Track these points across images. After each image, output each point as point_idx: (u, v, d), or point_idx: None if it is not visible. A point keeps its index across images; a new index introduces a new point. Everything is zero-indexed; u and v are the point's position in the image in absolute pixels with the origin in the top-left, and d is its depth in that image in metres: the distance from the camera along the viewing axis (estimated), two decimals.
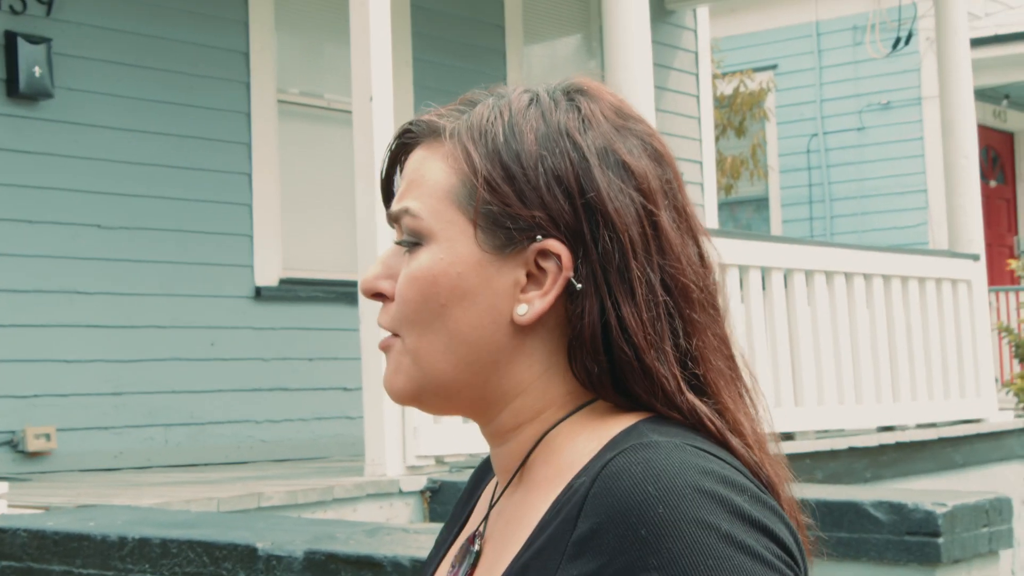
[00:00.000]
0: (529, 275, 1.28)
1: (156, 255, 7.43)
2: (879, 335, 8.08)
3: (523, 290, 1.28)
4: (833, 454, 7.17)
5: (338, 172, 8.10)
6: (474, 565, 1.33)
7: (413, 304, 1.30)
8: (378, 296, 1.35)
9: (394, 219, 1.34)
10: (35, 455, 6.85)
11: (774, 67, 15.83)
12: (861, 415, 7.86)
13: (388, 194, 1.39)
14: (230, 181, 7.82)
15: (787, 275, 7.59)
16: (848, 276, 7.94)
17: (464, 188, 1.29)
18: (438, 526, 4.68)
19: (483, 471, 1.50)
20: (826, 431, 7.62)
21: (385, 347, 1.35)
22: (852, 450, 7.37)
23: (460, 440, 5.85)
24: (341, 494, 5.33)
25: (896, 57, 14.95)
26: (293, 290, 8.03)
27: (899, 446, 7.79)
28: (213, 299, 7.68)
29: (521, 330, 1.28)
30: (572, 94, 1.32)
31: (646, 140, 1.31)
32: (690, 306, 1.28)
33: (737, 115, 14.86)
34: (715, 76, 14.22)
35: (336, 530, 3.89)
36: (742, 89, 14.90)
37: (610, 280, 1.25)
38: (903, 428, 8.08)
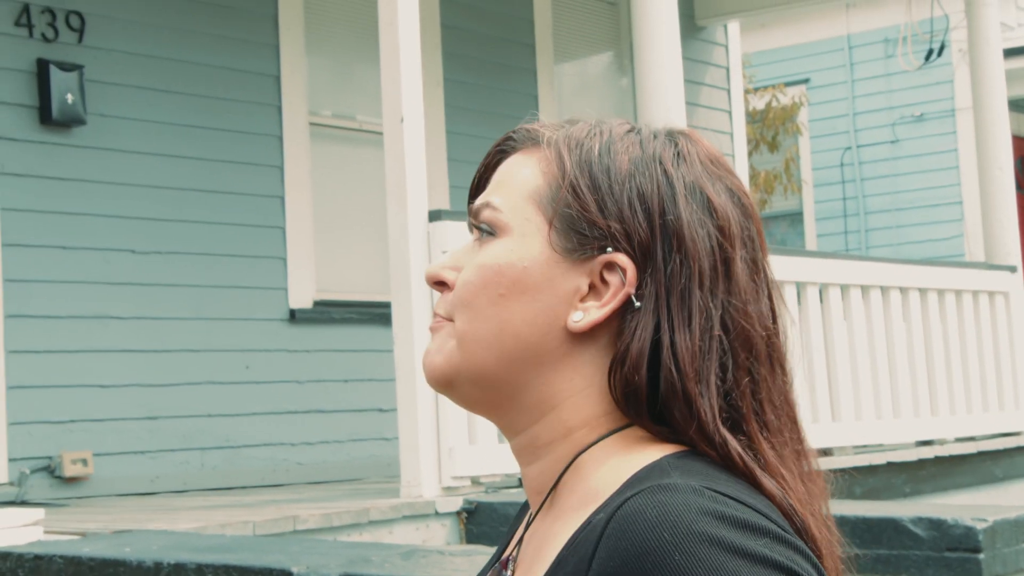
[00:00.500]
0: (592, 286, 1.29)
1: (190, 279, 7.45)
2: (916, 349, 8.03)
3: (582, 299, 1.29)
4: (872, 469, 7.12)
5: (371, 193, 8.10)
6: None
7: (472, 288, 1.32)
8: (439, 285, 1.37)
9: (475, 214, 1.37)
10: (72, 480, 6.87)
11: (806, 81, 15.78)
12: (899, 430, 7.80)
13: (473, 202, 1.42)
14: (263, 204, 7.84)
15: (822, 290, 7.55)
16: (884, 290, 7.90)
17: (549, 190, 1.32)
18: (474, 548, 4.67)
19: (527, 506, 1.49)
20: (864, 446, 7.58)
21: (433, 328, 1.36)
22: (891, 465, 7.32)
23: (496, 460, 5.82)
24: (377, 516, 5.32)
25: (929, 69, 14.88)
26: (327, 312, 8.03)
27: (938, 460, 7.74)
28: (247, 322, 7.69)
29: (571, 339, 1.29)
30: (673, 134, 1.36)
31: (735, 192, 1.33)
32: (747, 351, 1.28)
33: (770, 130, 14.82)
34: (747, 91, 14.19)
35: (371, 553, 3.88)
36: (774, 104, 14.87)
37: (671, 303, 1.26)
38: (942, 442, 8.02)
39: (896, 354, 7.87)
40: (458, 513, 5.58)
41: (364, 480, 7.73)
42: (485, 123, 8.91)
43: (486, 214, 1.35)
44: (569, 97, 9.89)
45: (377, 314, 8.01)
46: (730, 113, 11.06)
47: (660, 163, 1.31)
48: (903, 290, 8.03)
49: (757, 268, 1.32)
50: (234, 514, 5.37)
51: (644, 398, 1.26)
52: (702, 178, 1.31)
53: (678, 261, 1.27)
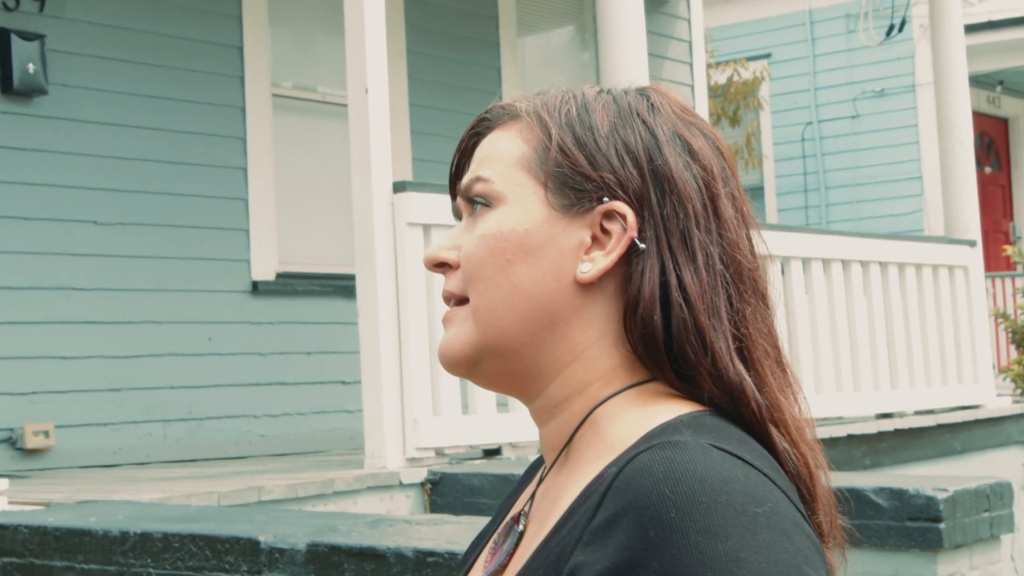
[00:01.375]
0: (594, 238, 1.33)
1: (152, 251, 7.42)
2: (877, 322, 8.08)
3: (587, 251, 1.32)
4: (832, 442, 7.17)
5: (334, 165, 8.09)
6: (517, 544, 1.34)
7: (478, 260, 1.35)
8: (441, 267, 1.39)
9: (464, 193, 1.40)
10: (34, 452, 6.85)
11: (768, 56, 15.82)
12: (859, 402, 7.86)
13: (457, 186, 1.44)
14: (225, 176, 7.81)
15: (784, 263, 7.58)
16: (845, 263, 7.94)
17: (536, 154, 1.35)
18: (440, 517, 4.68)
19: (536, 466, 1.51)
20: (824, 419, 7.62)
21: (447, 319, 1.39)
22: (851, 437, 7.37)
23: (460, 432, 5.84)
24: (341, 487, 5.33)
25: (890, 44, 14.94)
26: (290, 284, 8.02)
27: (898, 433, 7.79)
28: (210, 294, 7.67)
29: (581, 291, 1.32)
30: (643, 90, 1.40)
31: (708, 136, 1.39)
32: (743, 284, 1.33)
33: (731, 104, 14.85)
34: (709, 65, 14.20)
35: (338, 522, 3.89)
36: (736, 78, 14.89)
37: (672, 244, 1.30)
38: (902, 415, 8.08)
39: (857, 327, 7.92)
40: (422, 484, 5.59)
41: (328, 452, 7.73)
42: (448, 95, 8.90)
43: (478, 188, 1.37)
44: (532, 70, 9.89)
45: (340, 286, 8.00)
46: (692, 87, 11.07)
47: (638, 115, 1.35)
48: (864, 264, 8.08)
49: (736, 204, 1.37)
50: (199, 485, 5.37)
51: (661, 342, 1.29)
52: (678, 125, 1.36)
53: (673, 203, 1.31)
